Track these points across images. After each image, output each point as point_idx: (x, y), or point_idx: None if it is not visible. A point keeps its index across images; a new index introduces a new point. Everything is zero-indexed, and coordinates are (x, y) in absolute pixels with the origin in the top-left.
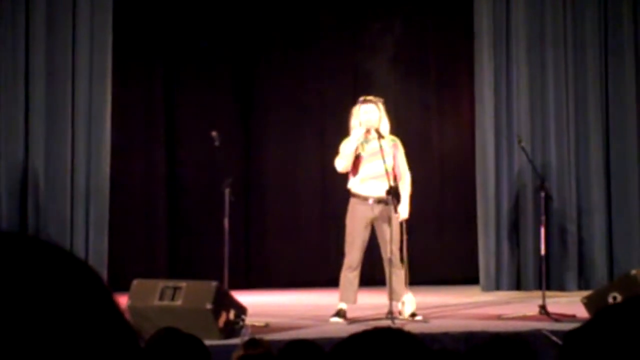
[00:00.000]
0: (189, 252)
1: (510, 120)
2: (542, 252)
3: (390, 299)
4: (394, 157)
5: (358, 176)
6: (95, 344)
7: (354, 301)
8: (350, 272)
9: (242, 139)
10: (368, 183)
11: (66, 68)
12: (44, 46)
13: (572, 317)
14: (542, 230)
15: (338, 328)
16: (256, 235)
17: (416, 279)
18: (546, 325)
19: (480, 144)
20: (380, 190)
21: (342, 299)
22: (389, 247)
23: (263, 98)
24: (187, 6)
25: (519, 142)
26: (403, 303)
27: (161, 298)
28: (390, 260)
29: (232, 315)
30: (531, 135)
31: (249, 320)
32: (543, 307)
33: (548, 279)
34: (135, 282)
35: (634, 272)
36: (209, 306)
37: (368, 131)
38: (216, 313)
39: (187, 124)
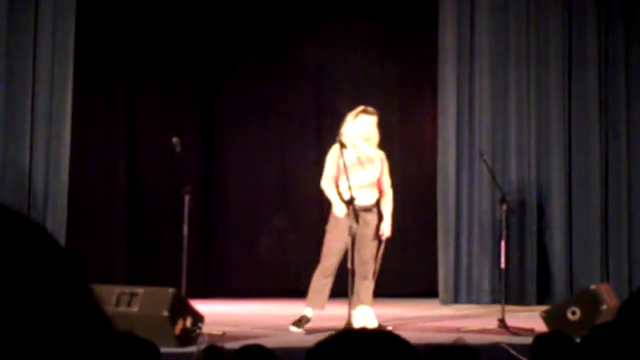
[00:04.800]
0: (148, 259)
1: (472, 134)
2: (502, 265)
3: (351, 308)
4: (381, 171)
5: (345, 185)
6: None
7: (323, 307)
8: (324, 278)
9: (203, 146)
10: (355, 192)
11: (26, 73)
12: (4, 50)
13: (530, 331)
14: (503, 244)
15: (296, 338)
16: (216, 243)
17: (375, 291)
18: (505, 338)
19: (442, 158)
20: (366, 199)
21: (309, 304)
22: (367, 257)
23: (225, 105)
24: (151, 13)
25: (481, 155)
26: (364, 317)
27: (117, 304)
28: (365, 277)
29: (189, 323)
30: (492, 149)
31: (206, 328)
32: (502, 321)
33: (507, 292)
34: (93, 288)
35: (593, 287)
36: (165, 313)
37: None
38: (173, 320)
39: (149, 130)
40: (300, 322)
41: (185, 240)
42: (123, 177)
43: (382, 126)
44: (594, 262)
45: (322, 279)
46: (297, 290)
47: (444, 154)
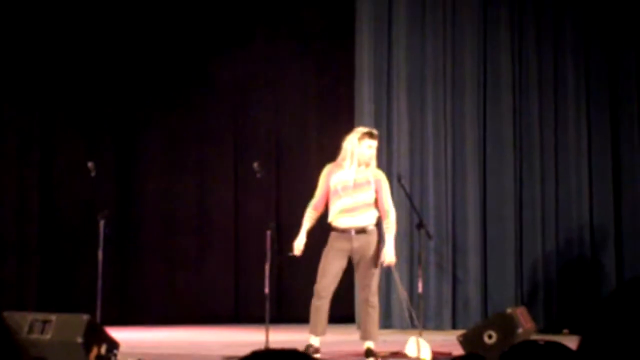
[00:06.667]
0: (62, 284)
1: (390, 158)
2: (420, 290)
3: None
4: (377, 192)
5: (336, 209)
6: None
7: (322, 332)
8: (317, 300)
9: (120, 171)
10: (347, 215)
11: None
12: None
13: (447, 355)
14: (419, 269)
15: None
16: (132, 269)
17: (289, 317)
18: None
19: None
20: (360, 221)
21: (310, 331)
22: (367, 281)
23: (142, 129)
24: (70, 35)
25: (399, 180)
26: (418, 347)
27: (30, 331)
28: (367, 300)
29: (103, 349)
30: (410, 173)
31: (121, 355)
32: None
33: (424, 317)
34: (2, 314)
35: (509, 310)
36: (79, 340)
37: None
38: (87, 347)
39: (63, 155)
40: (306, 352)
41: (100, 266)
42: (36, 201)
43: (302, 145)
44: (509, 285)
45: (315, 301)
46: (213, 316)
47: None
